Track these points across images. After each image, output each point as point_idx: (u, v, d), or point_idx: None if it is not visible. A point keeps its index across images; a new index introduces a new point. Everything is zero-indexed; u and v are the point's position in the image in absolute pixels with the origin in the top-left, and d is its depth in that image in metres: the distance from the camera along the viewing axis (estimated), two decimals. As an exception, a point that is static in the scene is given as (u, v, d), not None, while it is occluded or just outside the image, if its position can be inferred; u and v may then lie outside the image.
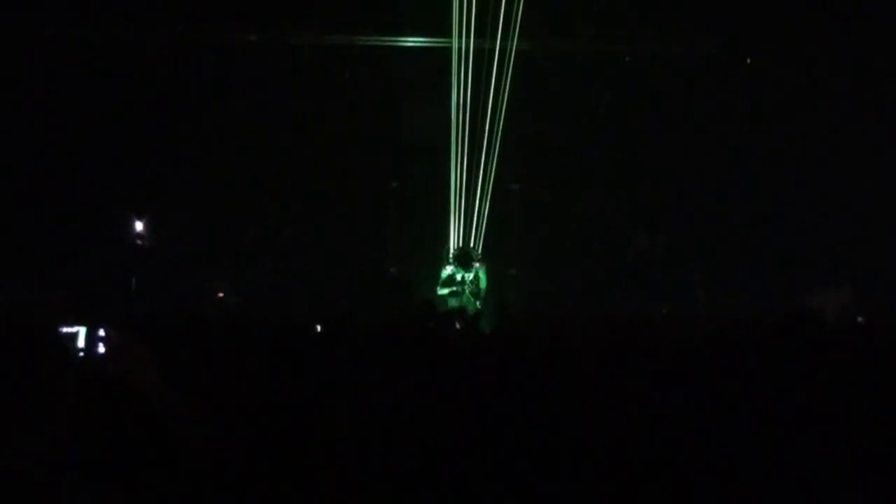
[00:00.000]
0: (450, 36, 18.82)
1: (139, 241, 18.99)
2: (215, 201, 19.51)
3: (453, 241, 18.66)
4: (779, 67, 18.64)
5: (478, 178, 18.82)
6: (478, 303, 17.27)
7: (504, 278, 19.98)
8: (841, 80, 17.84)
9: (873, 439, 4.15)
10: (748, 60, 19.15)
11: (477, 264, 17.87)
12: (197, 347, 4.81)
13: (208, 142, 19.27)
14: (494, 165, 18.83)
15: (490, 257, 18.81)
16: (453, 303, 16.97)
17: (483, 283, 17.69)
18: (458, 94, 18.77)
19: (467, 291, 17.44)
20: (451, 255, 18.12)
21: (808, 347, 4.71)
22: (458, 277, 17.66)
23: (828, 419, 4.22)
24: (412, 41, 19.83)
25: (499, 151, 18.88)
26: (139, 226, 19.05)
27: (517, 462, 4.16)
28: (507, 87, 18.64)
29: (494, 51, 18.70)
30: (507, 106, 18.66)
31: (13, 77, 18.17)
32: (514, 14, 18.43)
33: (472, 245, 18.52)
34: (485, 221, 18.81)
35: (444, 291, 17.51)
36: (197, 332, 5.06)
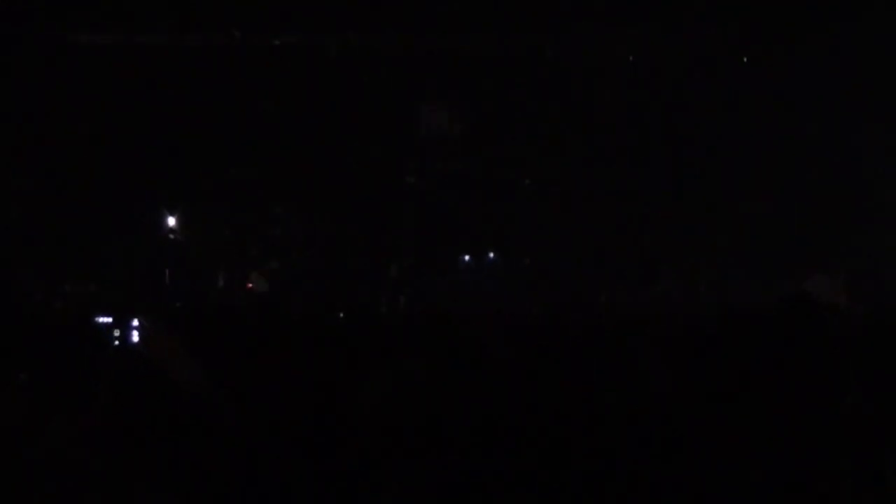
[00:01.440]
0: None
1: (171, 235, 19.06)
2: (244, 196, 19.54)
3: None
4: (777, 61, 18.54)
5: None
6: None
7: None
8: (839, 71, 17.74)
9: (870, 423, 4.13)
10: (744, 59, 19.06)
11: None
12: (227, 335, 4.82)
13: (236, 139, 19.29)
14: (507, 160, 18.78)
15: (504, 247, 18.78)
16: None
17: None
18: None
19: None
20: None
21: (805, 332, 4.68)
22: None
23: (825, 404, 4.20)
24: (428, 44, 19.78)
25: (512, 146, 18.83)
26: (171, 220, 19.12)
27: (528, 441, 4.16)
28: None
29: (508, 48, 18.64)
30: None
31: (44, 78, 18.24)
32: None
33: None
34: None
35: None
36: (227, 320, 5.07)
